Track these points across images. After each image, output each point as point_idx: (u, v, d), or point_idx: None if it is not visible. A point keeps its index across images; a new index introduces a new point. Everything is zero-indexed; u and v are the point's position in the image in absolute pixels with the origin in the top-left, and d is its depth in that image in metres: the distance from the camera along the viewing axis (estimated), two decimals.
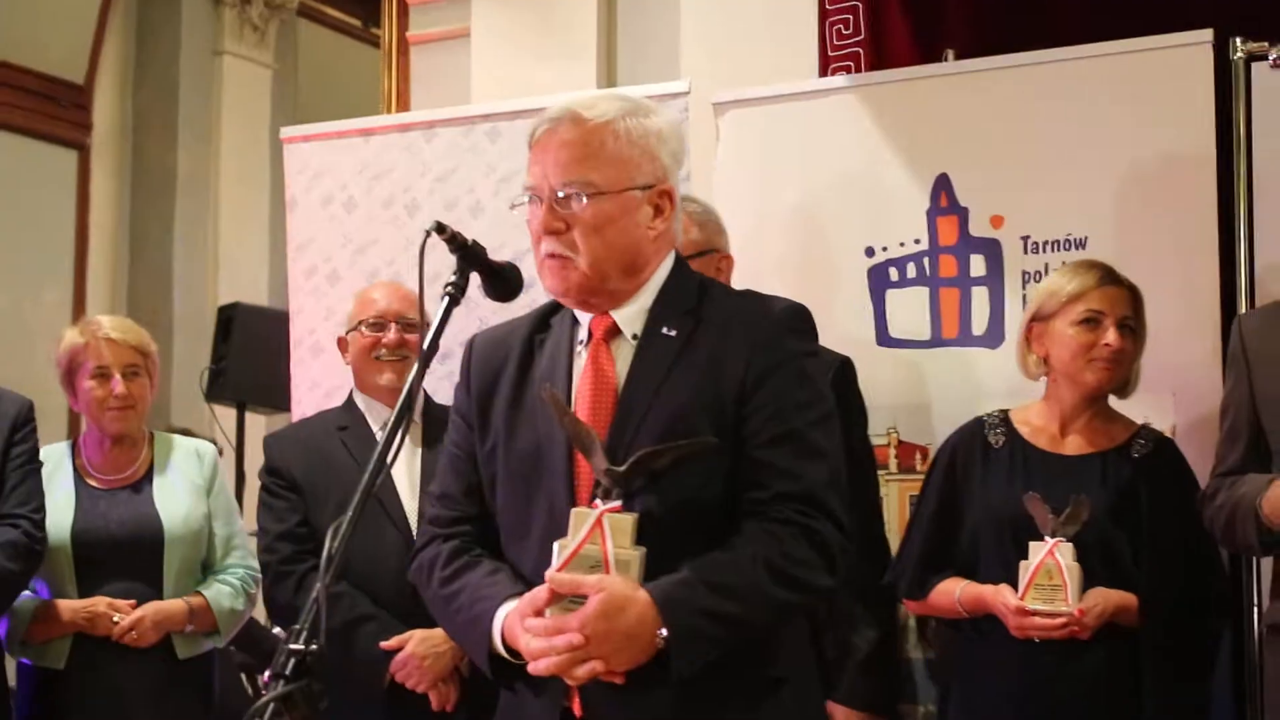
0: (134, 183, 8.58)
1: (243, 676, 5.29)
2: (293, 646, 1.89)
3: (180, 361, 7.77)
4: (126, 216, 8.54)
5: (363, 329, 3.60)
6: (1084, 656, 3.05)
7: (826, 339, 2.42)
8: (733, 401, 2.23)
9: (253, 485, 3.89)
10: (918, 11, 4.48)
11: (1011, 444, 3.26)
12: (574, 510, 2.18)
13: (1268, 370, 2.98)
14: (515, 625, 2.17)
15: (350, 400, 3.68)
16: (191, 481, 3.81)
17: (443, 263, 2.28)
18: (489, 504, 2.37)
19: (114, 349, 3.73)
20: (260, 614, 3.99)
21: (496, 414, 2.35)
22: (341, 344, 3.71)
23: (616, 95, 2.38)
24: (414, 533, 3.38)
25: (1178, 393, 3.49)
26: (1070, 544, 3.04)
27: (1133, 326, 3.19)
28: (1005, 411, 3.33)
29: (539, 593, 2.15)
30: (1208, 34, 3.58)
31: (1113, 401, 3.27)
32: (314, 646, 1.89)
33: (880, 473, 3.70)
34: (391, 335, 3.56)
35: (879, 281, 3.89)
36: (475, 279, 2.29)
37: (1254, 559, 3.36)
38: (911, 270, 3.86)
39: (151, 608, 3.63)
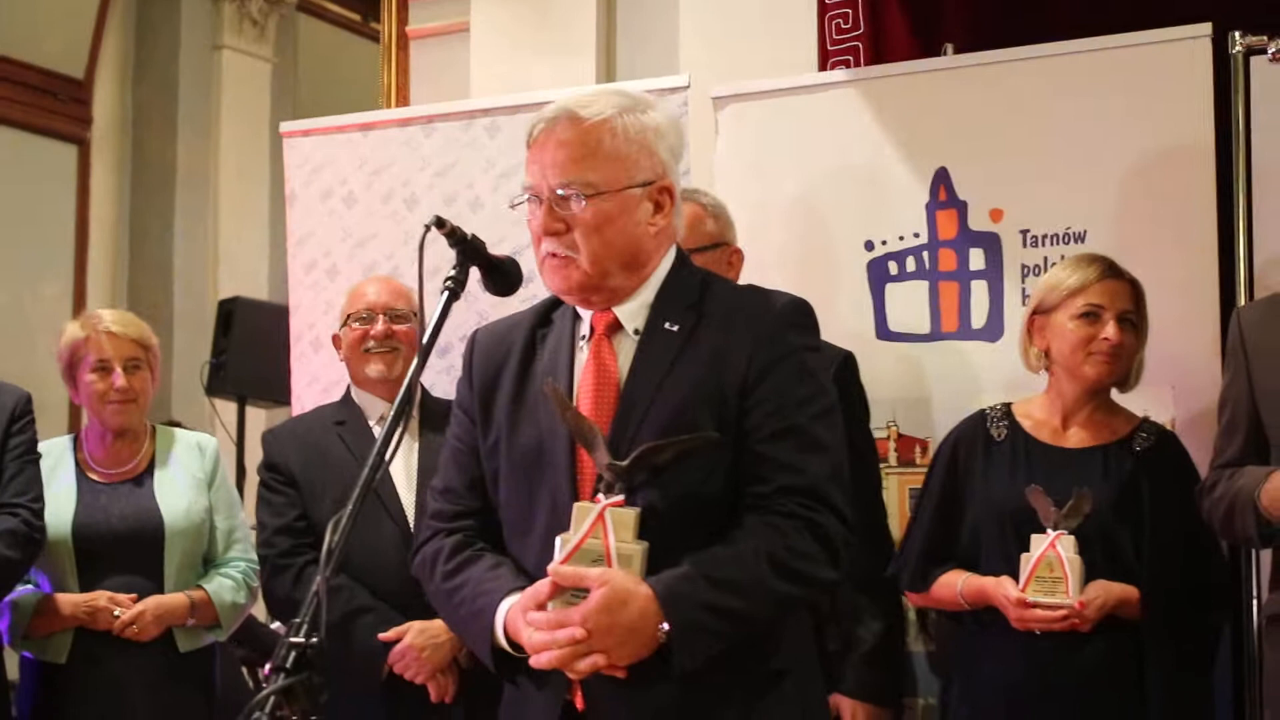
0: (134, 177, 8.58)
1: (244, 670, 5.29)
2: (293, 640, 1.89)
3: (181, 356, 7.77)
4: (126, 211, 8.55)
5: (352, 323, 3.62)
6: (1085, 649, 3.05)
7: (826, 333, 2.42)
8: (735, 396, 2.23)
9: (253, 479, 3.89)
10: (916, 6, 4.48)
11: (1013, 437, 3.27)
12: (576, 505, 2.18)
13: (1267, 363, 2.98)
14: (518, 619, 2.17)
15: (347, 395, 3.69)
16: (193, 475, 3.81)
17: (442, 257, 2.29)
18: (491, 498, 2.37)
19: (115, 342, 3.73)
20: (260, 608, 3.99)
21: (499, 409, 2.36)
22: (336, 341, 3.73)
23: (614, 91, 2.37)
24: (411, 525, 3.41)
25: (1177, 386, 3.49)
26: (1072, 537, 3.04)
27: (1133, 321, 3.20)
28: (1008, 405, 3.33)
29: (541, 586, 2.15)
30: (1207, 28, 3.58)
31: (1113, 394, 3.27)
32: (314, 640, 1.89)
33: (880, 466, 3.70)
34: (379, 327, 3.58)
35: (878, 275, 3.90)
36: (474, 273, 2.29)
37: (1253, 551, 3.36)
38: (911, 264, 3.86)
39: (152, 602, 3.63)
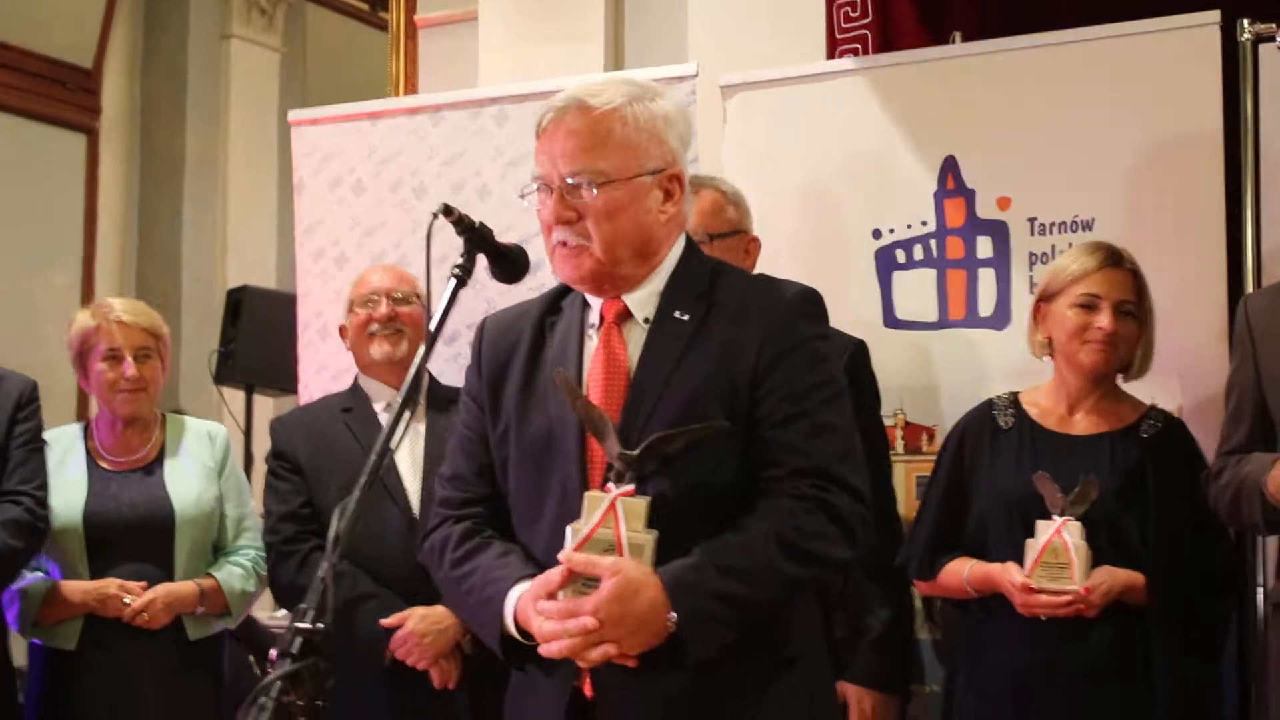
0: (142, 166, 8.58)
1: (251, 658, 5.30)
2: (300, 625, 1.90)
3: (189, 344, 7.76)
4: (135, 200, 8.55)
5: (356, 309, 3.64)
6: (1092, 635, 3.06)
7: (834, 321, 2.42)
8: (745, 385, 2.24)
9: (260, 467, 3.90)
10: None
11: (1020, 425, 3.27)
12: (587, 494, 2.19)
13: (1274, 350, 2.97)
14: (528, 607, 2.18)
15: (355, 384, 3.70)
16: (203, 464, 3.82)
17: (450, 245, 2.29)
18: (500, 486, 2.38)
19: (126, 331, 3.74)
20: (266, 597, 4.00)
21: (508, 397, 2.36)
22: (342, 331, 3.75)
23: (622, 80, 2.37)
24: (415, 512, 3.42)
25: (1184, 374, 3.49)
26: (1078, 523, 3.04)
27: (1133, 311, 3.18)
28: (1015, 394, 3.33)
29: (552, 575, 2.16)
30: (1215, 15, 3.58)
31: (1119, 381, 3.27)
32: (320, 625, 1.90)
33: (890, 454, 3.70)
34: (383, 309, 3.60)
35: (886, 263, 3.90)
36: (482, 261, 2.30)
37: (1259, 537, 3.37)
38: (919, 252, 3.87)
39: (163, 589, 3.64)
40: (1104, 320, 3.15)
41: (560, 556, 2.15)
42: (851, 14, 4.51)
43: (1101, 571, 3.04)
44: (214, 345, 6.95)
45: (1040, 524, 3.08)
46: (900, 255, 3.88)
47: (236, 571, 3.77)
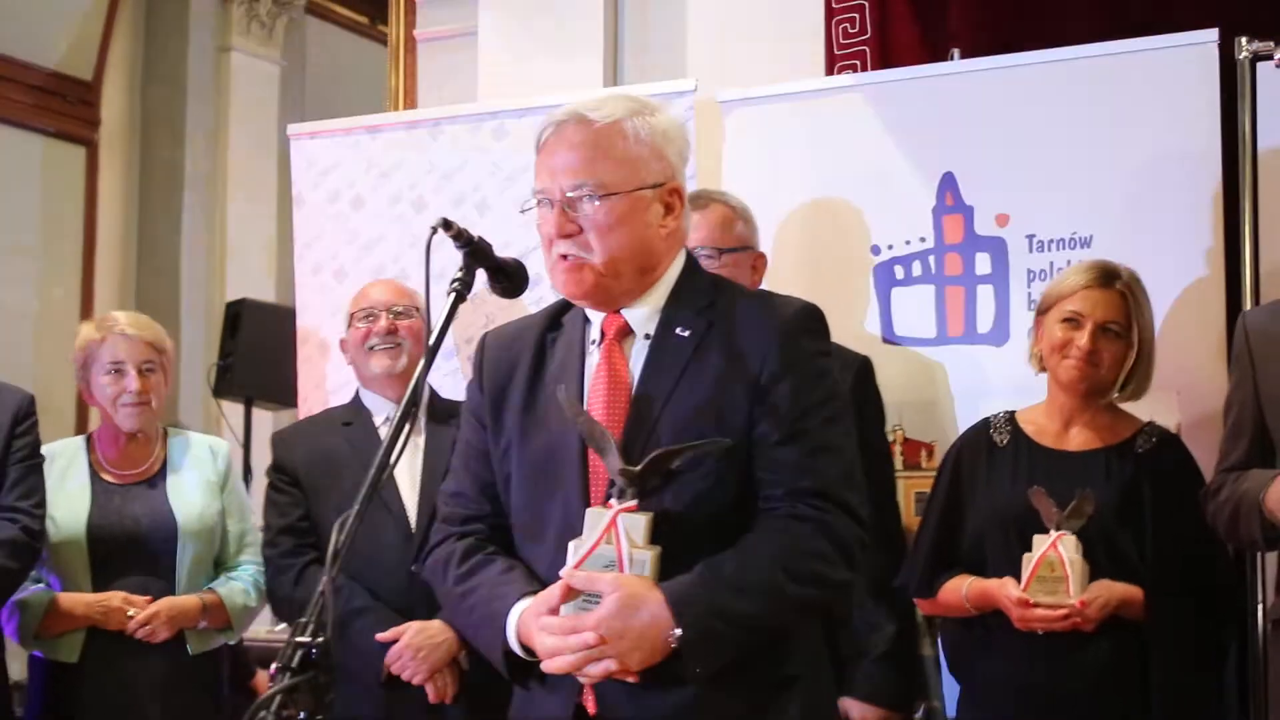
0: (142, 179, 8.56)
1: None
2: (299, 639, 1.89)
3: (188, 357, 7.74)
4: (134, 213, 8.54)
5: (356, 323, 3.64)
6: (1090, 649, 3.06)
7: (833, 337, 2.43)
8: (747, 402, 2.24)
9: (260, 481, 3.90)
10: (924, 11, 4.48)
11: (1016, 442, 3.28)
12: (589, 510, 2.19)
13: (1272, 368, 2.98)
14: (530, 623, 2.18)
15: (357, 397, 3.71)
16: (205, 478, 3.82)
17: (449, 259, 2.29)
18: (502, 502, 2.38)
19: (130, 345, 3.74)
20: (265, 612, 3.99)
21: (510, 413, 2.36)
22: (342, 345, 3.75)
23: (622, 95, 2.38)
24: (413, 526, 3.42)
25: (1182, 391, 3.50)
26: (1074, 537, 3.05)
27: (1119, 331, 3.19)
28: (1011, 412, 3.34)
29: (554, 591, 2.16)
30: (1213, 34, 3.59)
31: (1116, 400, 3.27)
32: (320, 639, 1.89)
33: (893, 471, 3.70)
34: (382, 323, 3.60)
35: (885, 279, 3.91)
36: (481, 275, 2.30)
37: (1257, 554, 3.37)
38: (917, 268, 3.87)
39: (166, 603, 3.64)
40: (1083, 339, 3.16)
41: (562, 573, 2.16)
42: (850, 30, 4.51)
43: (1098, 585, 3.04)
44: (213, 358, 6.95)
45: (1036, 538, 3.08)
46: (899, 271, 3.89)
47: (238, 586, 3.77)
